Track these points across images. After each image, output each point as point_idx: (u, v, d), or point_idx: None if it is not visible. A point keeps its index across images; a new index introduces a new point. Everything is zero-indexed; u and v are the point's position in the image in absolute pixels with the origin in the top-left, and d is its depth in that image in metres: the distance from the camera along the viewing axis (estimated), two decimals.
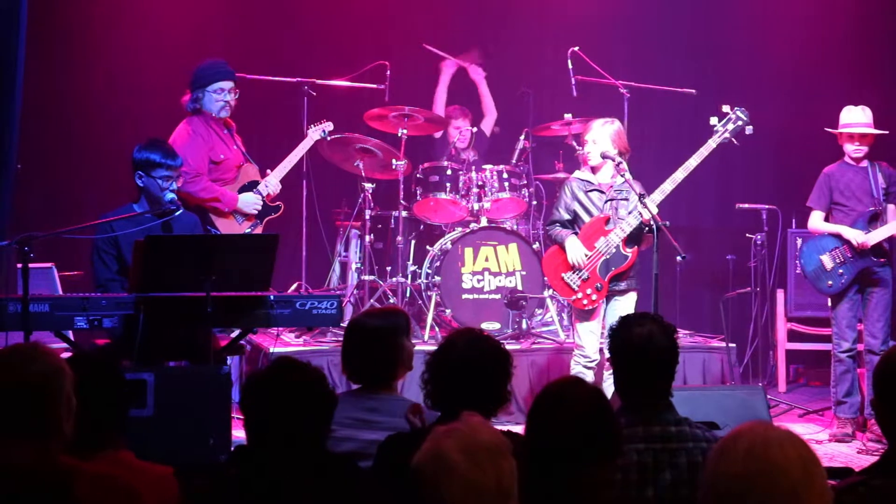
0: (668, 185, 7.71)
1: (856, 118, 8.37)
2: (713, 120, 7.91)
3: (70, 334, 6.54)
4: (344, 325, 8.20)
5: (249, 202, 8.27)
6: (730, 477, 2.59)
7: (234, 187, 8.24)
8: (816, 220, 8.50)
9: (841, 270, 8.29)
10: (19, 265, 6.01)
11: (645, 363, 4.20)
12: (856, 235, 8.24)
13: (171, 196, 6.83)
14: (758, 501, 2.58)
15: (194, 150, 7.93)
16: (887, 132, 8.45)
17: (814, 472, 2.64)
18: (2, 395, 3.28)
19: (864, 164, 8.40)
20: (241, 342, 7.16)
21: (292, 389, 3.56)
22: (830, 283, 8.35)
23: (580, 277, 7.73)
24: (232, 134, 8.33)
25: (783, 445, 2.63)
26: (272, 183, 8.46)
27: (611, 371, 7.65)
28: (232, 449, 5.83)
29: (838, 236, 8.32)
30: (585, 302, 7.76)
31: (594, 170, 7.91)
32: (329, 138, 9.13)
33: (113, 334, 6.49)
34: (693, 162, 7.76)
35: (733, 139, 7.89)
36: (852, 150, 8.38)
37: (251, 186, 8.32)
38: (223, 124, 8.23)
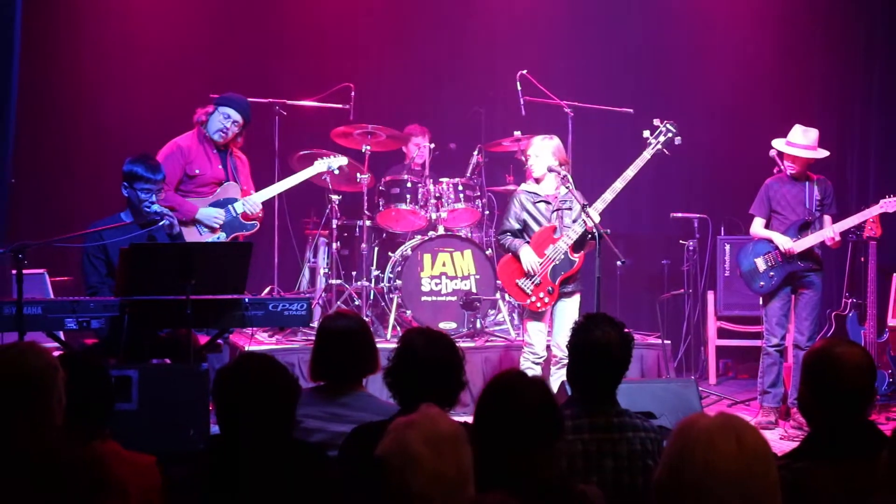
0: (608, 195, 7.76)
1: (793, 138, 8.38)
2: (646, 133, 7.98)
3: (61, 335, 6.50)
4: (313, 325, 8.26)
5: (210, 215, 8.17)
6: (725, 464, 2.56)
7: (206, 200, 8.19)
8: (756, 226, 8.56)
9: (772, 273, 8.35)
10: (14, 271, 5.98)
11: (599, 364, 4.22)
12: (784, 242, 8.29)
13: (155, 207, 6.81)
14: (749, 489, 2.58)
15: (169, 163, 7.89)
16: (820, 156, 8.45)
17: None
18: (2, 385, 3.28)
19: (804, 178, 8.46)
20: (219, 341, 7.13)
21: (257, 379, 3.59)
22: (762, 283, 8.40)
23: (533, 283, 7.76)
24: (224, 155, 8.30)
25: (756, 434, 2.64)
26: (251, 202, 8.36)
27: (558, 366, 7.73)
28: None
29: (771, 241, 8.38)
30: (539, 305, 7.79)
31: (538, 181, 7.94)
32: (338, 172, 9.07)
33: (100, 334, 6.47)
34: (630, 172, 7.82)
35: (665, 150, 7.95)
36: (786, 165, 8.42)
37: (225, 203, 8.27)
38: (214, 143, 8.21)
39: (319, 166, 8.95)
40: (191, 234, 8.02)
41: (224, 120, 8.21)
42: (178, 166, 8.04)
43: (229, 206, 8.26)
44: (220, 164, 8.27)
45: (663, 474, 2.65)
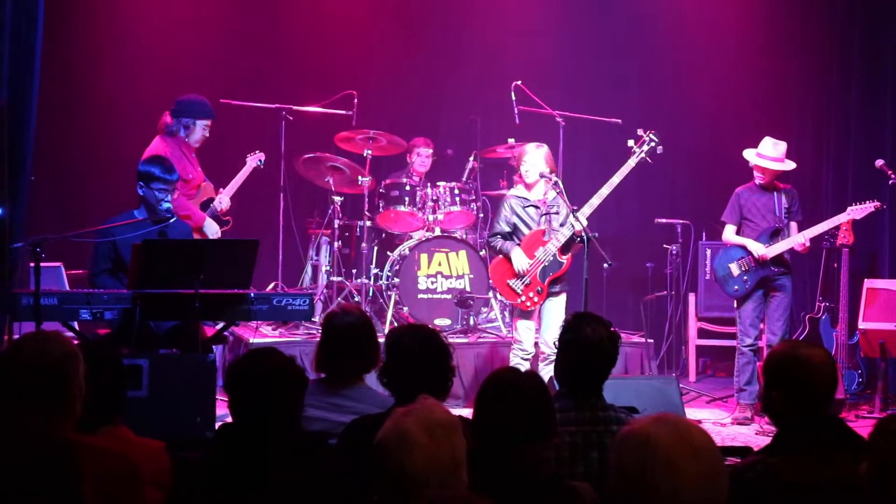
0: (595, 200, 7.78)
1: (764, 150, 8.43)
2: (630, 142, 8.00)
3: (76, 325, 6.51)
4: (315, 320, 8.28)
5: (211, 229, 8.35)
6: (689, 481, 2.52)
7: (196, 201, 8.31)
8: (728, 233, 8.59)
9: (746, 277, 8.38)
10: (32, 264, 6.00)
11: (588, 361, 4.23)
12: (757, 248, 8.33)
13: (167, 205, 6.85)
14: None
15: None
16: (788, 168, 8.51)
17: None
18: (27, 370, 3.28)
19: (772, 187, 8.50)
20: (225, 333, 7.14)
21: (268, 372, 3.60)
22: (736, 287, 8.43)
23: (523, 283, 7.77)
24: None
25: (702, 434, 2.63)
26: (224, 200, 8.56)
27: (546, 363, 7.74)
28: (216, 426, 5.81)
29: (744, 248, 8.41)
30: (529, 304, 7.81)
31: (528, 187, 7.96)
32: (261, 164, 9.09)
33: (113, 325, 6.48)
34: (616, 179, 7.84)
35: (648, 158, 7.97)
36: (756, 175, 8.48)
37: (208, 203, 8.39)
38: (191, 148, 8.28)
39: (251, 163, 8.99)
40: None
41: (205, 131, 8.34)
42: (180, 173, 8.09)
43: (212, 206, 8.48)
44: (198, 167, 8.36)
45: (621, 493, 2.63)
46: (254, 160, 8.94)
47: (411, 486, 2.77)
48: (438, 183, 9.88)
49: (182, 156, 8.15)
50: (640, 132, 8.02)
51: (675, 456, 2.52)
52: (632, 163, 7.91)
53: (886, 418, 3.08)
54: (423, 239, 9.60)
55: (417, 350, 4.18)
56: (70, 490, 2.95)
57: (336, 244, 9.66)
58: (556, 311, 7.87)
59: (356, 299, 9.54)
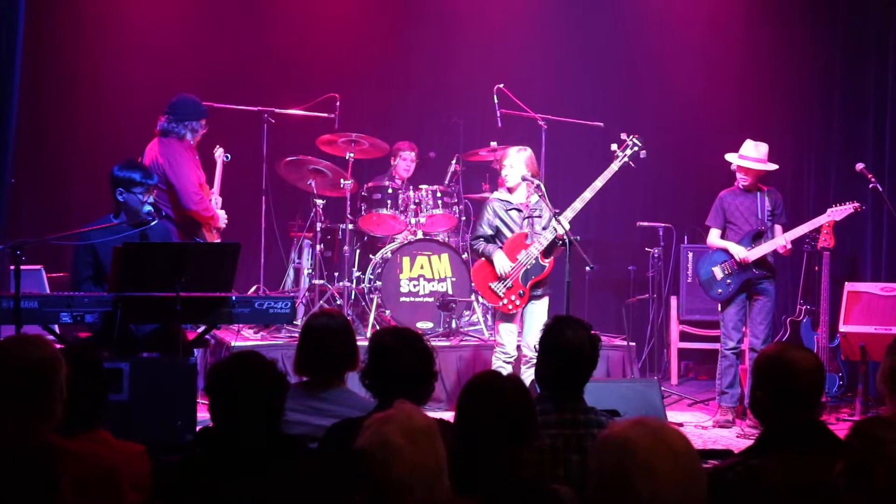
0: (577, 204, 7.78)
1: (745, 152, 8.47)
2: (613, 146, 8.01)
3: (56, 328, 6.49)
4: (297, 323, 8.27)
5: (223, 217, 8.33)
6: (669, 485, 2.54)
7: None
8: (712, 237, 8.62)
9: (729, 280, 8.40)
10: (12, 267, 5.97)
11: (569, 364, 4.25)
12: (738, 251, 8.36)
13: (147, 208, 6.80)
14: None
15: (196, 174, 7.92)
16: (770, 168, 8.54)
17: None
18: (8, 372, 3.28)
19: (755, 189, 8.54)
20: (206, 336, 7.13)
21: (249, 375, 3.59)
22: (720, 290, 8.46)
23: (505, 286, 7.77)
24: None
25: (680, 437, 2.64)
26: (218, 200, 8.56)
27: (528, 366, 7.75)
28: (197, 430, 5.81)
29: (727, 251, 8.44)
30: (510, 307, 7.80)
31: (511, 190, 7.97)
32: (228, 159, 9.01)
33: (93, 328, 6.46)
34: (598, 183, 7.84)
35: (631, 162, 7.98)
36: (739, 177, 8.51)
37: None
38: (195, 150, 8.24)
39: (219, 159, 8.93)
40: (211, 238, 8.18)
41: (204, 129, 8.24)
42: (197, 176, 8.04)
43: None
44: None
45: (600, 497, 2.64)
46: (220, 156, 8.93)
47: (396, 493, 2.78)
48: (421, 186, 9.89)
49: (192, 159, 8.09)
50: (623, 136, 8.03)
51: (654, 459, 2.54)
52: (615, 167, 7.92)
53: (862, 421, 3.11)
54: (406, 242, 9.61)
55: (401, 352, 4.19)
56: (48, 494, 2.95)
57: (318, 247, 9.66)
58: (538, 314, 7.88)
59: (338, 302, 9.54)
